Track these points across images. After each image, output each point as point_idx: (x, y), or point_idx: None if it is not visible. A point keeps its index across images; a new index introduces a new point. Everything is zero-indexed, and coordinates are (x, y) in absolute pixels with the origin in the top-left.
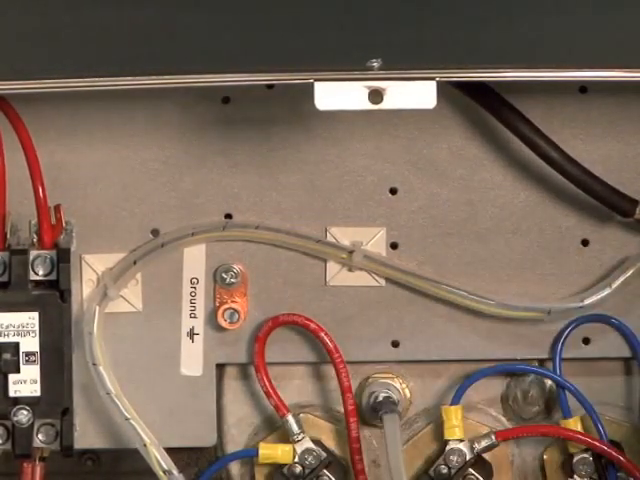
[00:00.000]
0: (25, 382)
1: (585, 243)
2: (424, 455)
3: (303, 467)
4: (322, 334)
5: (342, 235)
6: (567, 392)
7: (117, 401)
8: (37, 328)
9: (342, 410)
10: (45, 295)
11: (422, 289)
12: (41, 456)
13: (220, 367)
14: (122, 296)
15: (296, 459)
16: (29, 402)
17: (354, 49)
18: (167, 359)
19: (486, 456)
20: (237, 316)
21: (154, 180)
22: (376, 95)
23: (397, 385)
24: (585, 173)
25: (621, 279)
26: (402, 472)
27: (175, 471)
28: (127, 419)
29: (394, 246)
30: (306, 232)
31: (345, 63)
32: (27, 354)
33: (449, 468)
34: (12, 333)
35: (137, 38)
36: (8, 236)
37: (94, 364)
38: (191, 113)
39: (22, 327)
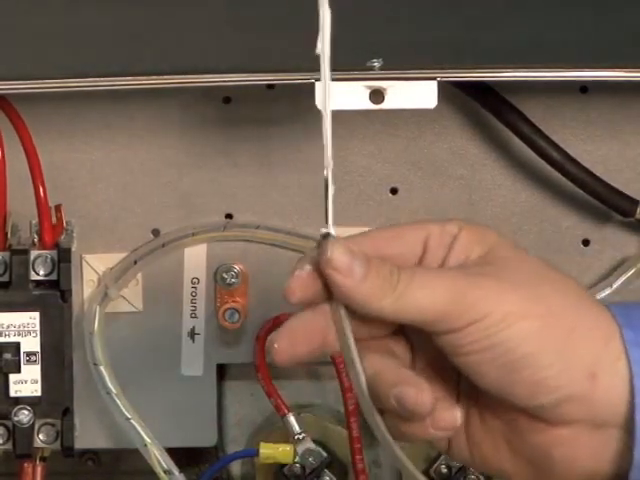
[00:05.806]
0: (26, 382)
1: (585, 243)
2: (424, 455)
3: (304, 467)
4: None
5: (342, 235)
6: None
7: (117, 401)
8: (38, 328)
9: (342, 410)
10: (46, 295)
11: None
12: (42, 456)
13: (221, 367)
14: (122, 296)
15: (297, 459)
16: (30, 402)
17: (354, 49)
18: (167, 359)
19: None
20: (238, 316)
21: (154, 180)
22: (377, 95)
23: None
24: (585, 173)
25: (622, 279)
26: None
27: (175, 471)
28: (127, 419)
29: None
30: (306, 232)
31: (346, 63)
32: (28, 354)
33: (450, 468)
34: (13, 333)
35: (137, 38)
36: (9, 236)
37: (95, 364)
38: (191, 113)
39: (23, 327)
